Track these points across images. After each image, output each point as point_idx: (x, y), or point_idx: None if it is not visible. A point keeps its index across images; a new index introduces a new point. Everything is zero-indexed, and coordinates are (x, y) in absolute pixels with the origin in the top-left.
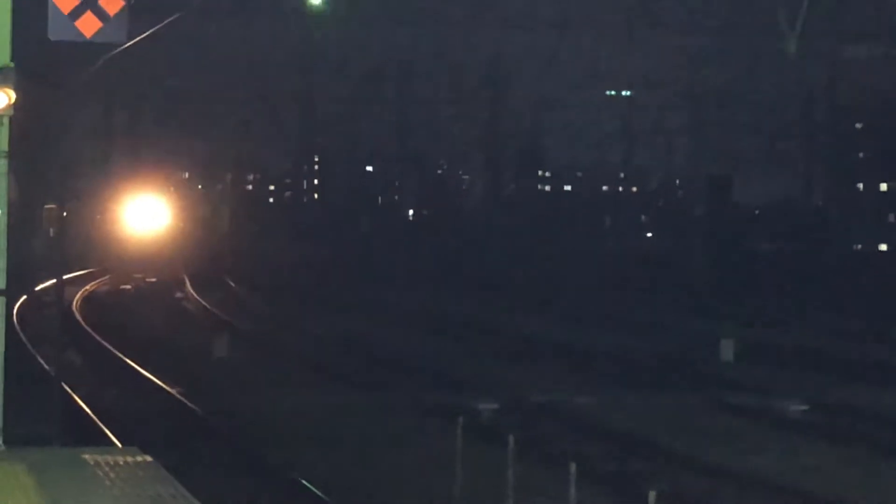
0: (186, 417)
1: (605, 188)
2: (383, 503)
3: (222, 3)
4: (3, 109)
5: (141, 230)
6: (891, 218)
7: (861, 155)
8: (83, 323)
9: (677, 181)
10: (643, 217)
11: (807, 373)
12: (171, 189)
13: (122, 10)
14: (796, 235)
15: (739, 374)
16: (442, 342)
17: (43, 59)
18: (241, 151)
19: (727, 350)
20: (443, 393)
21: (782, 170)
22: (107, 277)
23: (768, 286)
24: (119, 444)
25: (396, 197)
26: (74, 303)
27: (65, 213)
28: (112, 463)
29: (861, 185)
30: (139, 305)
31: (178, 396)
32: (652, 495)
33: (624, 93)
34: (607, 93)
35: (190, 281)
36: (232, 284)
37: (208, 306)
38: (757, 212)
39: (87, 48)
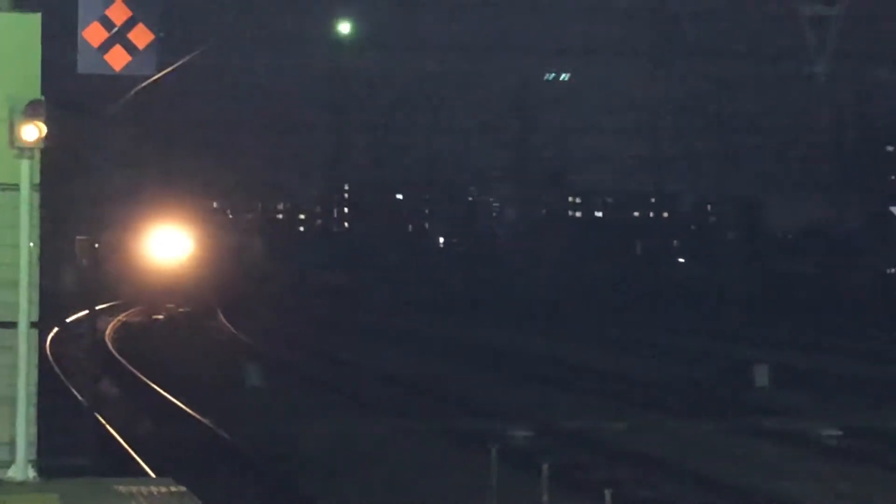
0: (220, 447)
1: (635, 214)
2: None
3: (251, 34)
4: (35, 142)
5: (172, 260)
6: None
7: (893, 178)
8: (116, 353)
9: (708, 206)
10: (675, 242)
11: (841, 397)
12: (202, 219)
13: (151, 43)
14: (828, 259)
15: (773, 399)
16: (474, 369)
17: (73, 92)
18: (272, 180)
19: (761, 375)
20: (476, 420)
21: (813, 193)
22: (139, 308)
23: (801, 310)
24: (153, 475)
25: (426, 224)
26: (107, 333)
27: (96, 245)
28: (146, 493)
29: (893, 209)
30: (171, 335)
31: (212, 426)
32: None
33: (652, 117)
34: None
35: (222, 310)
36: (264, 313)
37: (241, 335)
38: (788, 235)
39: (118, 80)
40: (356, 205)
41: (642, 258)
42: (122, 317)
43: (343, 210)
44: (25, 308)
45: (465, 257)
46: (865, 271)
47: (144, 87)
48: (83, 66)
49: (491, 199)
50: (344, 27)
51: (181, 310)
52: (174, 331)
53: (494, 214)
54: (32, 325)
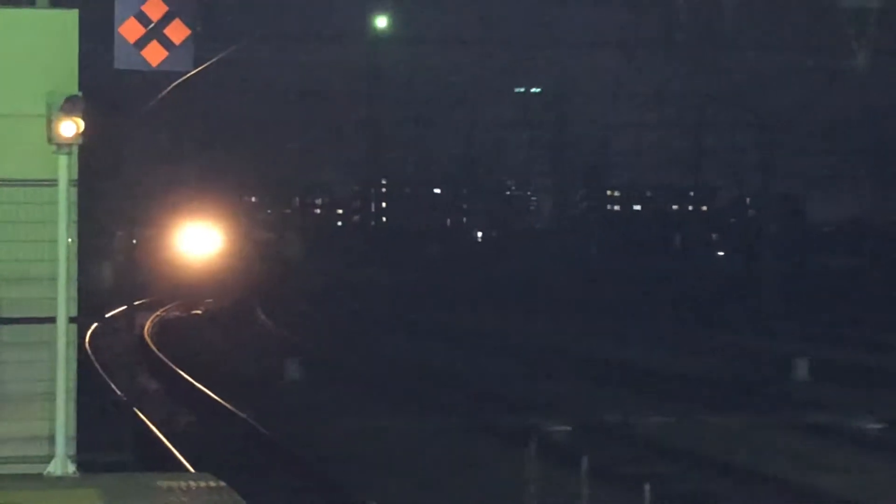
0: (259, 442)
1: (674, 207)
2: None
3: (287, 29)
4: (72, 138)
5: (209, 255)
6: None
7: None
8: (154, 348)
9: (748, 199)
10: (714, 236)
11: (882, 391)
12: (239, 214)
13: (187, 38)
14: (868, 253)
15: (814, 392)
16: (512, 364)
17: (111, 88)
18: (309, 176)
19: (801, 369)
20: (514, 415)
21: (853, 187)
22: (177, 303)
23: (841, 304)
24: (192, 470)
25: (464, 219)
26: (146, 328)
27: (134, 240)
28: (185, 488)
29: None
30: (210, 330)
31: (251, 421)
32: None
33: (692, 112)
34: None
35: (261, 305)
36: (303, 308)
37: (279, 330)
38: (828, 230)
39: (155, 75)
40: (394, 199)
41: (680, 252)
42: (160, 311)
43: (381, 205)
44: (64, 303)
45: (503, 252)
46: None
47: (181, 82)
48: (120, 62)
49: (529, 193)
50: (381, 22)
51: (220, 305)
52: (213, 325)
53: (532, 209)
54: (71, 320)
